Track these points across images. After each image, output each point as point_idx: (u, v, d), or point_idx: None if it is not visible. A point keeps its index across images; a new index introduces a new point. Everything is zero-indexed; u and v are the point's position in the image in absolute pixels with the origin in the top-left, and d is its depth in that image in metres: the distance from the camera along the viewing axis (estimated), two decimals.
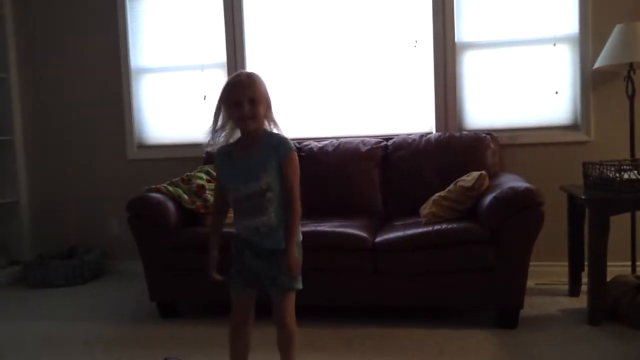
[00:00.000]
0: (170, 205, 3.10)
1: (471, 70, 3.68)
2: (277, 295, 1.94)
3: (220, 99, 1.93)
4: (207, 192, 3.21)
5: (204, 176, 3.36)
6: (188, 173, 3.39)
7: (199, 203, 3.16)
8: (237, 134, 1.95)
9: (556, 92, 3.55)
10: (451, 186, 3.00)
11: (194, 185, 3.24)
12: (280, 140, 1.90)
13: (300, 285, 1.96)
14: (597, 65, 3.27)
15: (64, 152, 4.34)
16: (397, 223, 3.06)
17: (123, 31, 4.13)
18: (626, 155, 3.19)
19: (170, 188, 3.22)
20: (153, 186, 3.24)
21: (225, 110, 1.92)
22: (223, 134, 1.95)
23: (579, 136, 3.51)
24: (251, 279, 1.96)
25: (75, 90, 4.28)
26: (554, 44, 3.53)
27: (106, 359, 2.55)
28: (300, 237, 1.96)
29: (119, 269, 4.20)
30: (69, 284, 3.90)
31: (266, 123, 1.92)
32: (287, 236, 1.87)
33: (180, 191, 3.20)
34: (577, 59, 3.51)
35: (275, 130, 1.93)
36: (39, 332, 2.96)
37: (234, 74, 1.95)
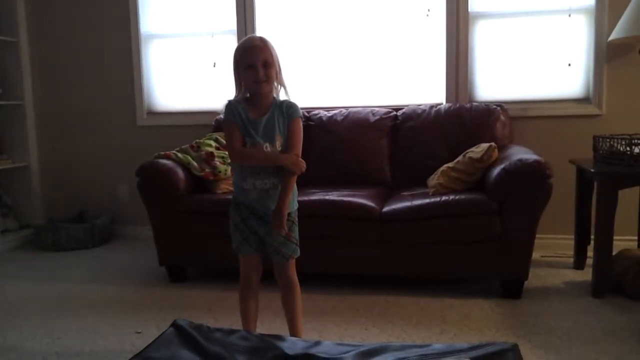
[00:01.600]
0: (180, 171, 3.12)
1: (483, 40, 3.63)
2: (282, 262, 2.05)
3: (234, 63, 1.97)
4: (216, 159, 3.22)
5: (213, 143, 3.37)
6: (197, 140, 3.41)
7: (207, 170, 3.18)
8: (246, 95, 2.01)
9: (569, 64, 3.51)
10: (460, 157, 3.00)
11: (203, 153, 3.25)
12: (289, 105, 1.99)
13: (298, 252, 2.07)
14: (612, 37, 3.22)
15: (73, 117, 4.35)
16: (404, 193, 3.07)
17: None
18: (638, 130, 3.16)
19: (180, 155, 3.23)
20: (162, 153, 3.26)
21: (238, 73, 1.96)
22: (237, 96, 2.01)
23: (591, 109, 3.48)
24: (257, 245, 2.05)
25: (86, 55, 4.27)
26: (569, 15, 3.47)
27: (116, 321, 2.60)
28: (296, 206, 2.06)
29: (128, 233, 4.25)
30: (80, 247, 3.96)
31: (276, 86, 1.98)
32: (280, 196, 1.94)
33: (190, 158, 3.22)
34: (592, 31, 3.45)
35: (285, 94, 2.01)
36: (50, 294, 3.03)
37: (246, 37, 2.02)
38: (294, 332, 2.10)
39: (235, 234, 2.06)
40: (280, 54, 1.99)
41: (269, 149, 1.94)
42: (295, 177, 1.98)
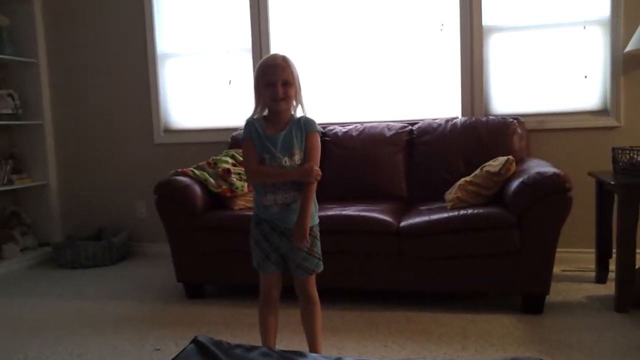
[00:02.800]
0: (197, 188, 3.14)
1: (498, 53, 3.63)
2: (303, 277, 2.05)
3: (255, 79, 2.01)
4: (233, 175, 3.24)
5: (230, 160, 3.39)
6: (214, 157, 3.43)
7: (224, 187, 3.19)
8: (264, 113, 2.04)
9: (585, 76, 3.49)
10: (477, 171, 2.99)
11: (220, 169, 3.27)
12: (307, 120, 2.02)
13: (322, 267, 2.07)
14: (628, 48, 3.20)
15: (91, 136, 4.41)
16: (422, 208, 3.05)
17: (149, 16, 4.15)
18: None
19: (197, 171, 3.25)
20: (180, 170, 3.28)
21: (258, 89, 1.99)
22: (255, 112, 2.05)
23: (609, 121, 3.45)
24: (278, 262, 2.06)
25: (103, 75, 4.33)
26: (584, 27, 3.46)
27: (135, 338, 2.61)
28: (317, 220, 2.06)
29: (145, 250, 4.27)
30: (98, 264, 3.99)
31: (294, 104, 2.02)
32: (301, 208, 1.95)
33: (207, 175, 3.24)
34: (608, 42, 3.43)
35: (302, 112, 2.04)
36: (69, 311, 3.04)
37: (270, 55, 2.06)
38: (313, 348, 2.09)
39: (257, 251, 2.06)
40: (300, 68, 2.03)
41: (287, 163, 1.96)
42: (313, 187, 1.97)
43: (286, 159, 1.95)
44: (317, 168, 1.96)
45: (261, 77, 1.97)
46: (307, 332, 2.11)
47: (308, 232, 1.95)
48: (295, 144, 1.97)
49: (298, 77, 2.00)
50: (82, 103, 4.41)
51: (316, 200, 2.05)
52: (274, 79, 1.93)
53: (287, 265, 2.06)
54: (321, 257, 2.07)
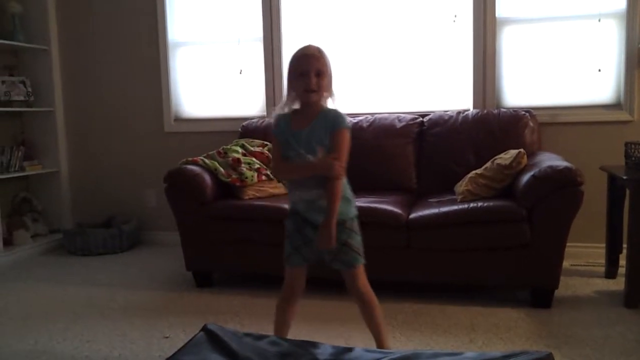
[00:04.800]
0: (207, 177, 3.14)
1: (511, 46, 3.60)
2: (346, 270, 1.98)
3: (288, 70, 1.95)
4: (243, 165, 3.24)
5: (240, 150, 3.39)
6: (224, 146, 3.43)
7: (234, 176, 3.19)
8: (295, 105, 1.97)
9: (599, 70, 3.45)
10: (488, 164, 2.97)
11: (230, 159, 3.28)
12: (336, 114, 1.93)
13: (363, 259, 1.99)
14: None
15: (103, 123, 4.42)
16: (431, 200, 3.05)
17: (161, 4, 4.14)
18: None
19: (207, 161, 3.26)
20: (190, 158, 3.29)
21: (290, 80, 1.94)
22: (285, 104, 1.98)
23: (622, 115, 3.42)
24: (310, 255, 1.98)
25: (114, 63, 4.34)
26: (599, 20, 3.42)
27: (144, 325, 2.63)
28: (355, 212, 2.00)
29: (155, 239, 4.29)
30: (107, 252, 4.01)
31: (325, 96, 1.94)
32: (327, 204, 1.86)
33: (217, 164, 3.24)
34: (623, 36, 3.39)
35: (331, 104, 1.96)
36: (79, 298, 3.07)
37: (304, 46, 1.98)
38: (379, 344, 2.03)
39: (287, 244, 2.00)
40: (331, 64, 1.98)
41: (308, 158, 1.89)
42: (339, 184, 1.87)
43: (309, 156, 1.89)
44: (340, 163, 1.85)
45: (294, 67, 1.92)
46: (371, 330, 2.05)
47: (334, 232, 1.85)
48: (319, 140, 1.89)
49: (331, 69, 1.94)
50: (93, 91, 4.42)
51: (351, 192, 1.99)
52: (307, 69, 1.88)
53: (322, 257, 1.97)
54: (360, 251, 1.98)
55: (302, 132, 1.91)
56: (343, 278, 2.01)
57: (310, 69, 1.87)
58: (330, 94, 1.95)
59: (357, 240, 1.98)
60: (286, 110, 1.98)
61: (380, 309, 2.02)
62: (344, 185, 1.94)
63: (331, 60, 1.95)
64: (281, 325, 2.06)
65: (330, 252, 1.92)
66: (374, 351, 1.58)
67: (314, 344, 1.59)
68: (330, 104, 1.96)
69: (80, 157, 4.48)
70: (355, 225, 1.99)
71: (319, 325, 2.53)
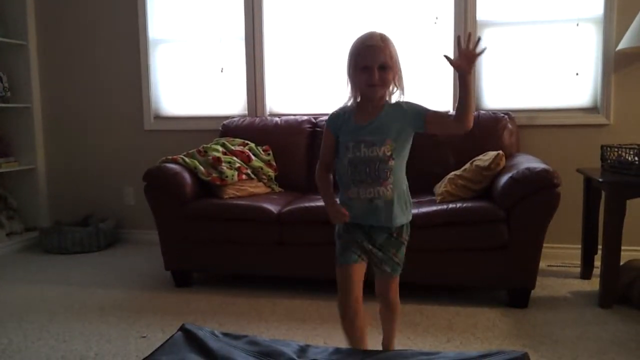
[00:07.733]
0: (187, 176, 3.13)
1: (491, 48, 3.63)
2: (384, 279, 1.93)
3: (348, 61, 1.78)
4: (223, 164, 3.23)
5: (220, 149, 3.38)
6: (205, 145, 3.41)
7: (214, 175, 3.18)
8: (357, 99, 1.82)
9: (577, 74, 3.51)
10: (467, 165, 3.00)
11: (210, 157, 3.26)
12: (409, 104, 1.79)
13: (399, 272, 1.94)
14: (620, 46, 3.22)
15: (81, 121, 4.37)
16: (411, 200, 3.05)
17: (142, 1, 4.11)
18: None
19: (187, 159, 3.24)
20: (170, 157, 3.26)
21: (351, 73, 1.78)
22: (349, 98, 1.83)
23: (599, 119, 3.47)
24: (361, 251, 1.84)
25: (94, 59, 4.29)
26: (577, 24, 3.47)
27: (121, 325, 2.60)
28: (409, 218, 1.90)
29: (133, 238, 4.25)
30: (85, 250, 3.96)
31: (392, 90, 1.79)
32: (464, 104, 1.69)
33: (197, 162, 3.23)
34: (600, 40, 3.45)
35: (399, 96, 1.80)
36: (56, 297, 3.02)
37: (367, 33, 1.77)
38: (386, 346, 2.05)
39: (338, 242, 1.85)
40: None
41: (374, 153, 1.73)
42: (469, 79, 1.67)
43: (375, 148, 1.72)
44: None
45: (355, 59, 1.73)
46: (384, 330, 2.03)
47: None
48: (391, 132, 1.73)
49: (398, 59, 1.74)
50: (71, 87, 4.36)
51: (410, 197, 1.90)
52: (371, 63, 1.69)
53: (371, 261, 1.86)
54: (402, 262, 1.89)
55: (366, 125, 1.75)
56: (374, 279, 1.94)
57: (373, 62, 1.69)
58: (400, 86, 1.78)
59: (403, 252, 1.90)
60: (349, 104, 1.82)
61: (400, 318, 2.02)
62: (406, 189, 1.87)
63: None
64: (353, 338, 1.86)
65: (381, 257, 1.85)
66: (353, 352, 1.58)
67: (287, 343, 1.58)
68: (396, 98, 1.80)
69: (58, 154, 4.42)
70: (407, 234, 1.90)
71: (296, 324, 2.53)
